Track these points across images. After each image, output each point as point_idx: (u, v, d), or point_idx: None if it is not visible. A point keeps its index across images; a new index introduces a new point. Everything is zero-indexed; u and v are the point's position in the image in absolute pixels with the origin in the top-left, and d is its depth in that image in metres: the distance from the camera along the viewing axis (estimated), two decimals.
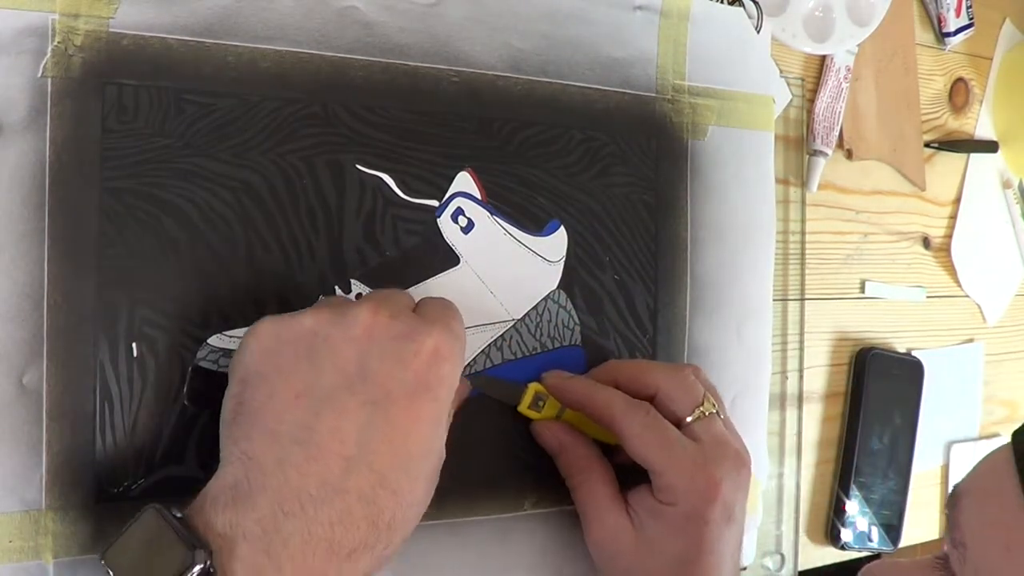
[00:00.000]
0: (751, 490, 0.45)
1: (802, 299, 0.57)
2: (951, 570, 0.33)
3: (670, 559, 0.41)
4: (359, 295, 0.41)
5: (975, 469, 0.35)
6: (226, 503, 0.31)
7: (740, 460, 0.42)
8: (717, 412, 0.44)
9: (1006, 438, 0.65)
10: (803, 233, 0.57)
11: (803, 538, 0.58)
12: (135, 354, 0.37)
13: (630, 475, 0.43)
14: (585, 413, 0.43)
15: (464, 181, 0.44)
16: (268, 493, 0.31)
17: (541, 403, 0.44)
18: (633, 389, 0.43)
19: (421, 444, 0.34)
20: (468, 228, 0.44)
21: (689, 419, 0.43)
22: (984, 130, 0.68)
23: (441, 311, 0.37)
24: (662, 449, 0.41)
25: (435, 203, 0.43)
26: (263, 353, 0.33)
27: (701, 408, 0.43)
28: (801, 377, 0.57)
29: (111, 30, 0.37)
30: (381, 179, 0.42)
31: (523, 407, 0.44)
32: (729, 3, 0.51)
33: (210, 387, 0.38)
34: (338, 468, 0.32)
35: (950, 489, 0.41)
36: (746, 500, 0.43)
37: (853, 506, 0.59)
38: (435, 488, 0.36)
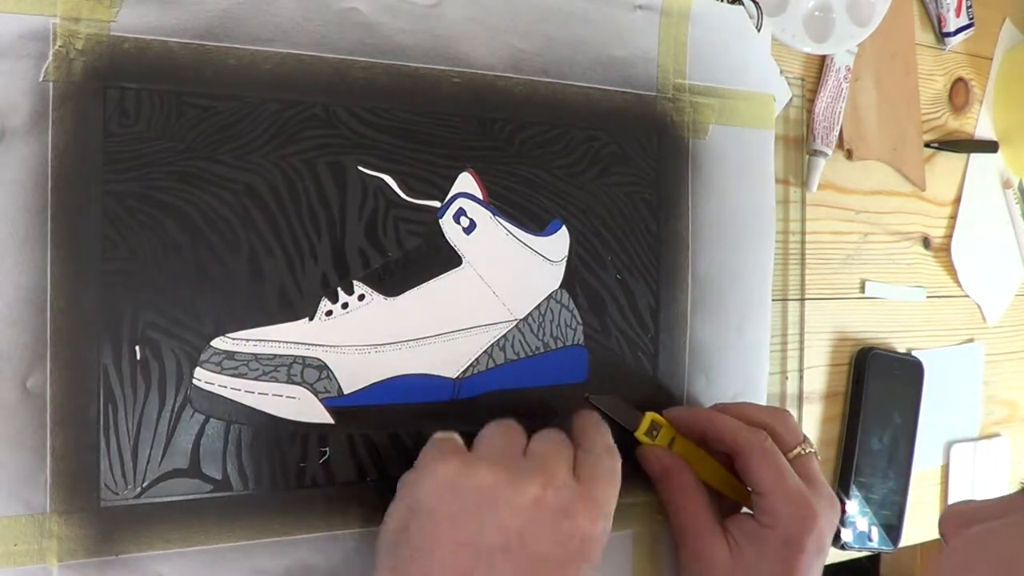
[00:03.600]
0: None
1: (802, 299, 0.57)
2: None
3: None
4: (347, 303, 0.41)
5: None
6: None
7: (833, 500, 0.46)
8: (815, 453, 0.47)
9: (1006, 438, 0.65)
10: (803, 233, 0.57)
11: None
12: (138, 357, 0.37)
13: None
14: (706, 439, 0.46)
15: (466, 182, 0.44)
16: None
17: (655, 432, 0.46)
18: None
19: None
20: (470, 229, 0.44)
21: (790, 455, 0.45)
22: (984, 130, 0.68)
23: (597, 471, 0.39)
24: (774, 472, 0.44)
25: (437, 204, 0.43)
26: (437, 494, 0.36)
27: (802, 447, 0.46)
28: (801, 377, 0.57)
29: (112, 34, 0.37)
30: (383, 180, 0.42)
31: (640, 433, 0.46)
32: (729, 2, 0.51)
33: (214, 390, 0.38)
34: None
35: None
36: (830, 541, 0.46)
37: (853, 506, 0.59)
38: None
